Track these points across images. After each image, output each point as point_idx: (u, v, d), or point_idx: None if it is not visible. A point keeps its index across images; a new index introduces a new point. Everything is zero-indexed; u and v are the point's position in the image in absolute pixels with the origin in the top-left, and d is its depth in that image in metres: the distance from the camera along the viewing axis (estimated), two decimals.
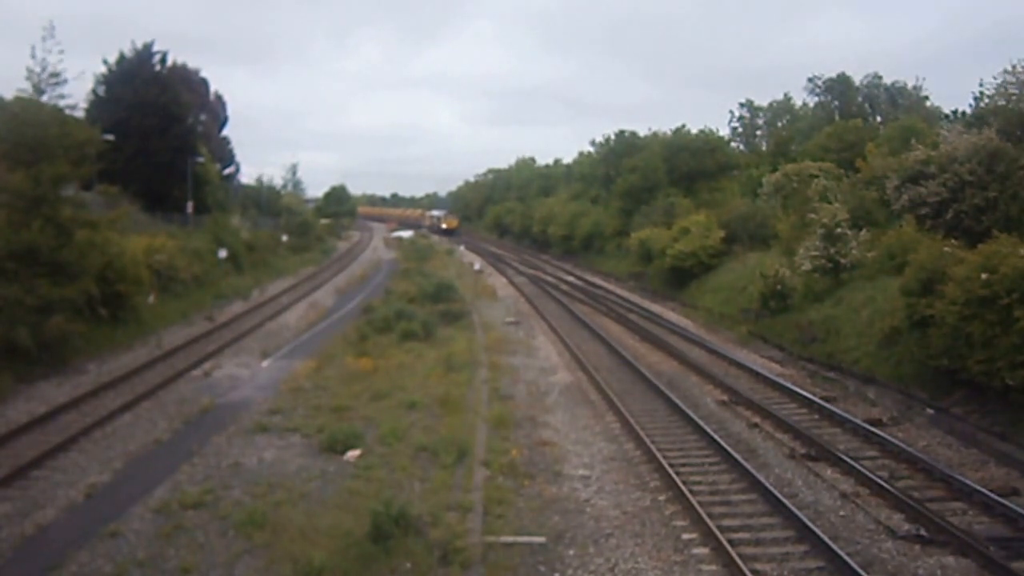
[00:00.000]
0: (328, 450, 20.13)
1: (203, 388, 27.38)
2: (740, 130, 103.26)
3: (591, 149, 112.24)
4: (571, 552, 15.03)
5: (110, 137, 42.30)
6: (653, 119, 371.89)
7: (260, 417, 23.23)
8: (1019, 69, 36.76)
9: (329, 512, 16.06)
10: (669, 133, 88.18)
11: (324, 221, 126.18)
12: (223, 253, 55.63)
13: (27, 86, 34.48)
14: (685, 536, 15.83)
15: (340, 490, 17.48)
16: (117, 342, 33.21)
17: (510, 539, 15.21)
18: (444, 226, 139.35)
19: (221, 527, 15.47)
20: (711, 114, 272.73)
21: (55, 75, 34.68)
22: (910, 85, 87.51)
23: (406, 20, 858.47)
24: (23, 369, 26.55)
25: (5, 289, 26.95)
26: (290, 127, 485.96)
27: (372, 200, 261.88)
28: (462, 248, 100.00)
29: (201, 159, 65.18)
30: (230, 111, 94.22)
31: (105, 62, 61.62)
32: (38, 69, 34.27)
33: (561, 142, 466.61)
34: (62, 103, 35.37)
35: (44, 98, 34.80)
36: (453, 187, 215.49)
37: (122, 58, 61.63)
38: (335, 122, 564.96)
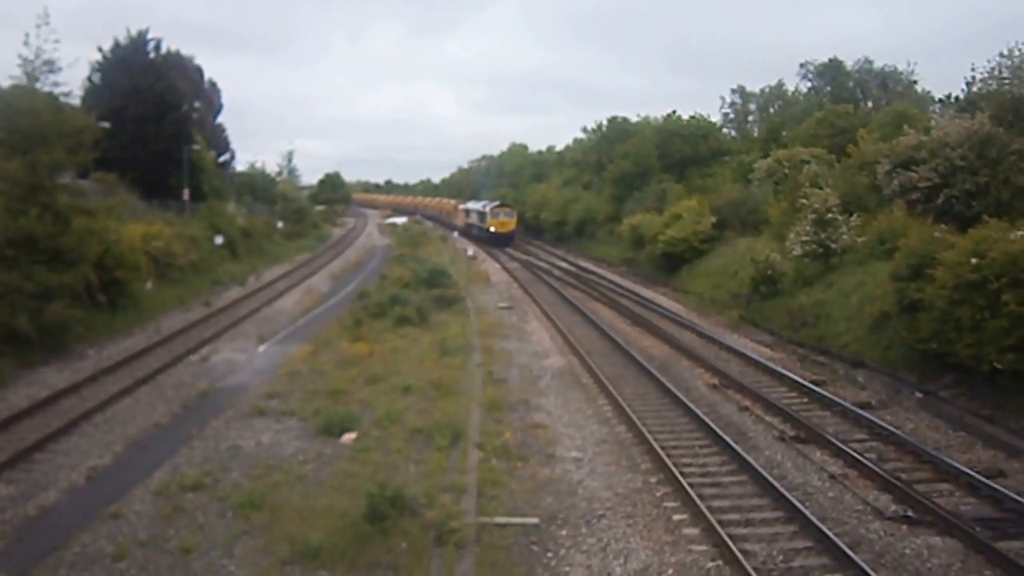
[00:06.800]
0: (324, 433, 20.42)
1: (201, 373, 27.62)
2: (732, 116, 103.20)
3: (583, 135, 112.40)
4: (564, 532, 15.27)
5: (106, 125, 42.24)
6: (648, 106, 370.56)
7: (257, 401, 23.50)
8: (1014, 53, 36.86)
9: (326, 494, 16.36)
10: (661, 119, 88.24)
11: (319, 208, 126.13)
12: (219, 240, 55.76)
13: (20, 74, 34.38)
14: (676, 517, 16.08)
15: (336, 472, 17.75)
16: (116, 328, 33.37)
17: (503, 520, 15.46)
18: (493, 229, 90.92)
19: (220, 508, 15.74)
20: (703, 100, 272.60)
21: (49, 63, 34.56)
22: (901, 69, 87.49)
23: (412, 14, 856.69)
24: (23, 355, 26.71)
25: (4, 276, 27.06)
26: (288, 115, 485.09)
27: (367, 187, 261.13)
28: (456, 235, 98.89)
29: (196, 147, 65.16)
30: (226, 99, 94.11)
31: (100, 49, 61.54)
32: (32, 57, 34.14)
33: (558, 129, 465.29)
34: (56, 91, 35.27)
35: (38, 85, 34.65)
36: (447, 174, 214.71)
37: (117, 45, 61.49)
38: (333, 111, 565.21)
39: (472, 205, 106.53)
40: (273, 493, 16.32)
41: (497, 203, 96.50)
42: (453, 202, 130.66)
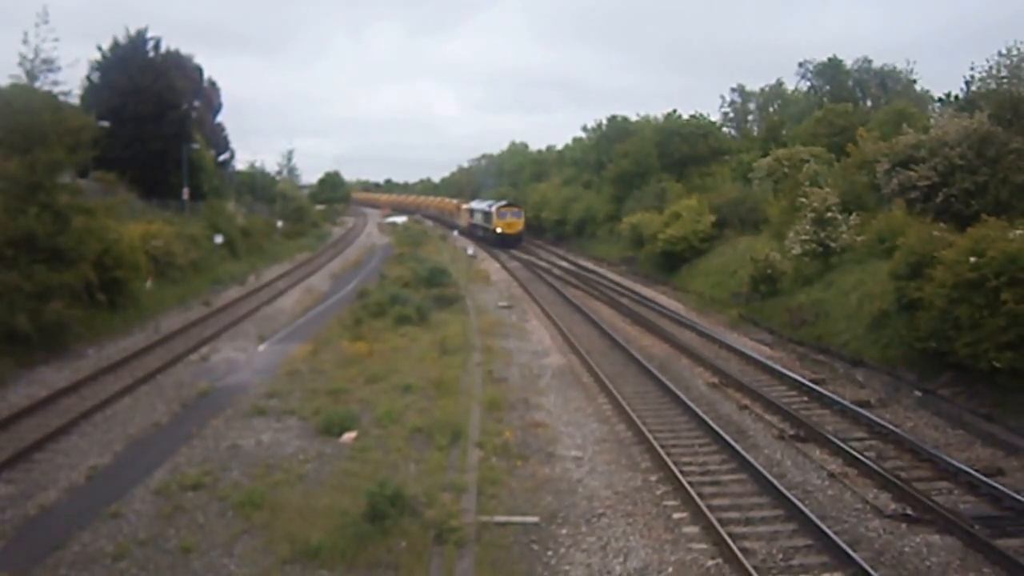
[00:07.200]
0: (324, 432, 20.44)
1: (201, 372, 27.66)
2: (731, 115, 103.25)
3: (583, 135, 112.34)
4: (564, 531, 15.28)
5: (105, 124, 42.23)
6: (648, 105, 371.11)
7: (257, 400, 23.54)
8: (1012, 52, 36.94)
9: (326, 493, 16.37)
10: (661, 118, 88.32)
11: (319, 207, 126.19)
12: (219, 239, 55.80)
13: (20, 72, 34.37)
14: (676, 515, 16.10)
15: (336, 471, 17.77)
16: (115, 327, 33.41)
17: (504, 519, 15.48)
18: (499, 230, 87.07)
19: (220, 508, 15.75)
20: (703, 99, 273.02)
21: (48, 61, 34.53)
22: (900, 68, 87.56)
23: (412, 13, 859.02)
24: (23, 354, 26.74)
25: (4, 275, 27.11)
26: (288, 114, 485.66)
27: (366, 186, 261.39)
28: (455, 233, 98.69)
29: (196, 146, 65.18)
30: (226, 98, 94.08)
31: (99, 48, 61.60)
32: (31, 55, 34.12)
33: (559, 128, 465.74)
34: (56, 90, 35.26)
35: (37, 84, 34.63)
36: (447, 173, 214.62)
37: (116, 44, 61.53)
38: (333, 110, 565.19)
39: (477, 205, 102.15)
40: (273, 492, 16.34)
41: (504, 203, 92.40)
42: (456, 201, 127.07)
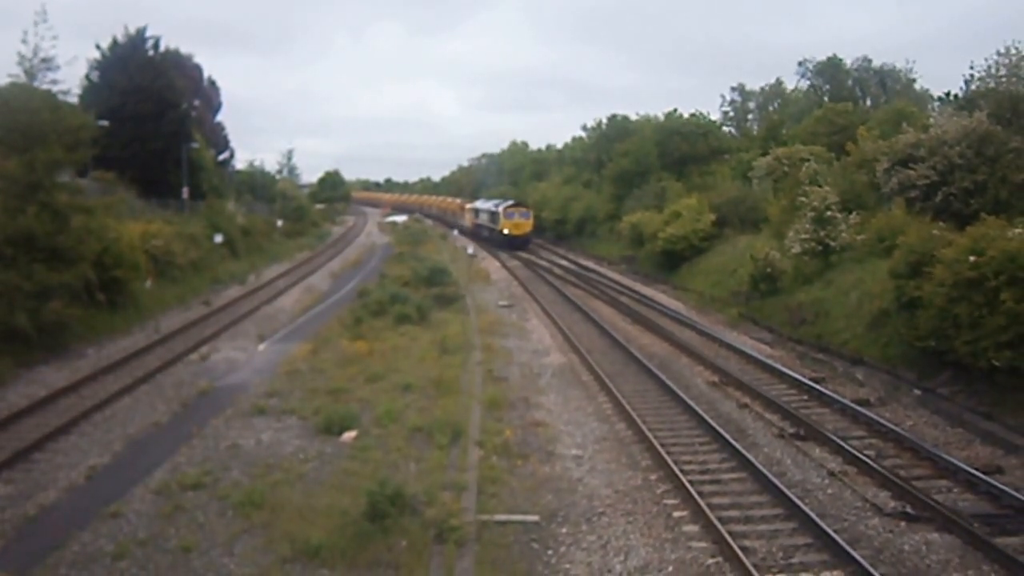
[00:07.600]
0: (324, 432, 20.44)
1: (201, 371, 27.65)
2: (731, 114, 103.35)
3: (583, 134, 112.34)
4: (564, 530, 15.29)
5: (105, 123, 42.20)
6: (648, 104, 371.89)
7: (257, 400, 23.52)
8: (1011, 52, 36.99)
9: (326, 492, 16.37)
10: (661, 117, 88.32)
11: (319, 206, 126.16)
12: (219, 238, 55.79)
13: (19, 71, 34.34)
14: (676, 514, 16.10)
15: (336, 471, 17.77)
16: (115, 327, 33.41)
17: (504, 517, 15.47)
18: (506, 231, 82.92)
19: (220, 507, 15.74)
20: (703, 98, 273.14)
21: (47, 60, 34.51)
22: (899, 67, 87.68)
23: (413, 13, 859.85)
24: (22, 354, 26.75)
25: (3, 275, 27.11)
26: (289, 114, 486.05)
27: (367, 185, 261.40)
28: (455, 232, 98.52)
29: (196, 145, 65.14)
30: (227, 98, 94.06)
31: (98, 47, 61.52)
32: (30, 54, 34.10)
33: (559, 127, 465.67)
34: (55, 89, 35.22)
35: (36, 83, 34.61)
36: (447, 172, 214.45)
37: (115, 43, 61.45)
38: (333, 109, 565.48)
39: (482, 204, 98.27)
40: (273, 492, 16.33)
41: (511, 202, 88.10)
42: (459, 201, 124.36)
